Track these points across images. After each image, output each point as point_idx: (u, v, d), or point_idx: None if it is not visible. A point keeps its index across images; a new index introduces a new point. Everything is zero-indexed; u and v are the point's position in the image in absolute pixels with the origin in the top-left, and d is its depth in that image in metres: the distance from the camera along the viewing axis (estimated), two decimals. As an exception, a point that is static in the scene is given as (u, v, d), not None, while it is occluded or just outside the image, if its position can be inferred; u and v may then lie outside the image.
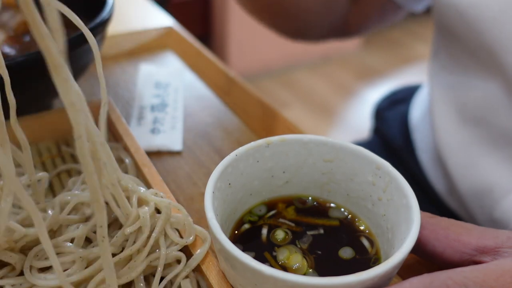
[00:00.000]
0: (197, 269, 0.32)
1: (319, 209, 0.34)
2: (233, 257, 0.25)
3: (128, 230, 0.30)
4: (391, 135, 0.66)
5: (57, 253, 0.30)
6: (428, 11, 0.60)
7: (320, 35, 0.64)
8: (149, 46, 0.67)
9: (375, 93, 1.99)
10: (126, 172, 0.41)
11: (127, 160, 0.41)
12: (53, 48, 0.21)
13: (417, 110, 0.64)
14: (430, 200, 0.58)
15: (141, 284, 0.30)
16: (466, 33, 0.46)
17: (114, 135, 0.46)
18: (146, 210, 0.30)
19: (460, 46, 0.48)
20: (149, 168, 0.39)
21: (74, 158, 0.44)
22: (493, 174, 0.47)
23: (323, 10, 0.58)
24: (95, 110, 0.47)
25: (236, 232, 0.32)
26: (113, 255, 0.30)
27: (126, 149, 0.42)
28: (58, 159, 0.44)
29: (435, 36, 0.55)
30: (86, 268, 0.30)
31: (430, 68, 0.56)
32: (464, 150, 0.50)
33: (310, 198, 0.35)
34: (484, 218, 0.49)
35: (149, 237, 0.30)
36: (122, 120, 0.45)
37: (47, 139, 0.45)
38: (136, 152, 0.41)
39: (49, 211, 0.33)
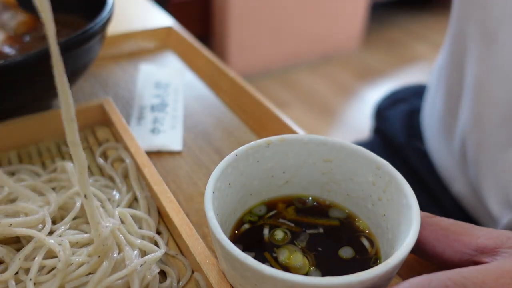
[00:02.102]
0: (197, 269, 0.32)
1: (319, 209, 0.34)
2: (233, 257, 0.25)
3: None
4: (393, 133, 0.66)
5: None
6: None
7: None
8: (149, 46, 0.67)
9: (375, 93, 1.99)
10: (126, 172, 0.41)
11: (127, 160, 0.41)
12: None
13: (430, 92, 0.64)
14: (432, 200, 0.58)
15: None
16: None
17: (114, 135, 0.46)
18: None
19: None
20: (149, 168, 0.39)
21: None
22: (508, 149, 0.46)
23: None
24: (95, 110, 0.47)
25: (236, 232, 0.32)
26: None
27: (126, 149, 0.42)
28: (58, 159, 0.44)
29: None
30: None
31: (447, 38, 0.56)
32: (480, 128, 0.50)
33: (310, 198, 0.35)
34: (497, 200, 0.48)
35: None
36: (122, 120, 0.45)
37: (47, 139, 0.45)
38: (136, 152, 0.41)
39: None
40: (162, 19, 0.73)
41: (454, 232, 0.28)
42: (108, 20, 0.44)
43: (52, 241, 0.30)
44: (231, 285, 0.29)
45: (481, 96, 0.49)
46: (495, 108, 0.48)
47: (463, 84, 0.52)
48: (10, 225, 0.31)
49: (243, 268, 0.25)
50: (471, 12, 0.48)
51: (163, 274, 0.33)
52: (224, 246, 0.25)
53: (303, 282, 0.23)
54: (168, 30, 0.68)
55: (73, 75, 0.44)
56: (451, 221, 0.29)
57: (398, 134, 0.65)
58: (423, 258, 0.30)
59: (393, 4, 2.69)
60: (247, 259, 0.25)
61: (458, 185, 0.56)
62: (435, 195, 0.58)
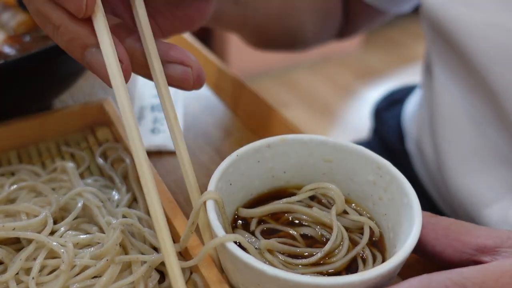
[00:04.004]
0: (196, 270, 0.32)
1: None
2: (235, 257, 0.25)
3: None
4: (389, 138, 0.66)
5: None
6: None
7: (313, 46, 0.66)
8: (149, 46, 0.67)
9: (375, 93, 1.99)
10: (126, 172, 0.41)
11: (127, 160, 0.41)
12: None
13: (410, 113, 0.65)
14: (430, 205, 0.58)
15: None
16: (448, 43, 0.46)
17: (114, 135, 0.46)
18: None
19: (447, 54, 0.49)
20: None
21: (74, 158, 0.44)
22: (471, 185, 0.47)
23: (319, 32, 0.61)
24: (95, 110, 0.47)
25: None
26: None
27: (126, 149, 0.42)
28: (58, 159, 0.44)
29: (426, 42, 0.56)
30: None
31: (422, 75, 0.58)
32: (436, 158, 0.51)
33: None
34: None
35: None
36: (122, 120, 0.45)
37: (47, 139, 0.45)
38: (136, 152, 0.41)
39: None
40: (162, 19, 0.73)
41: (454, 232, 0.28)
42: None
43: (55, 243, 0.30)
44: (232, 285, 0.29)
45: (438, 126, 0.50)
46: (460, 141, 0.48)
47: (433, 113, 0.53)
48: (14, 229, 0.31)
49: (245, 268, 0.25)
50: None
51: (162, 275, 0.33)
52: (226, 246, 0.25)
53: (306, 281, 0.23)
54: (168, 30, 0.67)
55: (73, 75, 0.44)
56: (451, 220, 0.29)
57: (393, 139, 0.66)
58: (423, 257, 0.30)
59: (393, 4, 2.68)
60: (250, 259, 0.25)
61: (442, 204, 0.56)
62: (433, 201, 0.58)
